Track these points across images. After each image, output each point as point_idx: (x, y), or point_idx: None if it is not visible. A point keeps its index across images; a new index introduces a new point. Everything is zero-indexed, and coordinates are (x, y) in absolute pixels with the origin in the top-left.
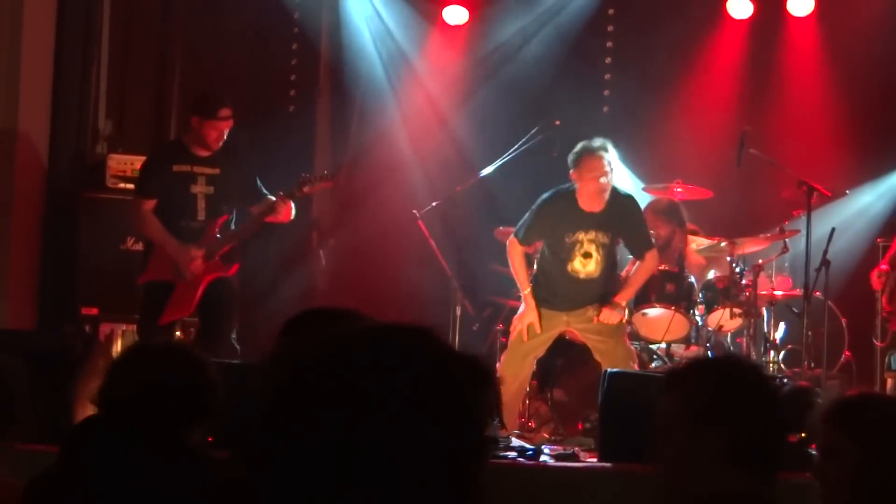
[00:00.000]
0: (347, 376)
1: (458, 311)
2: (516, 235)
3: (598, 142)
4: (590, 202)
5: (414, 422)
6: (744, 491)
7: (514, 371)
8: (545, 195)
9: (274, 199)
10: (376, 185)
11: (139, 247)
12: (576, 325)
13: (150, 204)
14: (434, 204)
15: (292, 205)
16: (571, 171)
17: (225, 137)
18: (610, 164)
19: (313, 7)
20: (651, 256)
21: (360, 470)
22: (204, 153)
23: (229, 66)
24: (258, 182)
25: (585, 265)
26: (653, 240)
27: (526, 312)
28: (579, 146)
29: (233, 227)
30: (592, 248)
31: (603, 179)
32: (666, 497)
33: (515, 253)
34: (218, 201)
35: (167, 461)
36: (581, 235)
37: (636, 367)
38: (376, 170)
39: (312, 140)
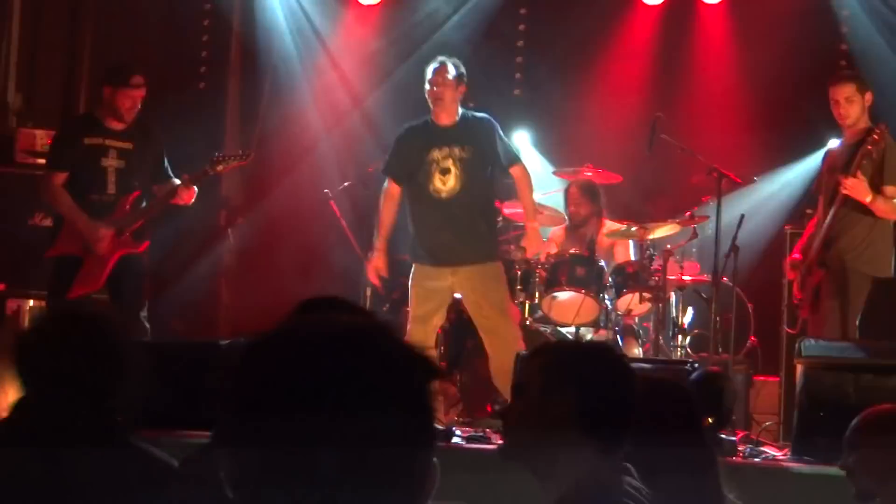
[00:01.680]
0: (307, 372)
1: (368, 292)
2: (385, 172)
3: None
4: (439, 114)
5: (370, 411)
6: (587, 465)
7: (420, 342)
8: (400, 129)
9: (178, 182)
10: (287, 164)
11: (48, 222)
12: (461, 288)
13: (60, 177)
14: (346, 184)
15: (195, 190)
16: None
17: (138, 107)
18: (452, 75)
19: None
20: (520, 170)
21: (317, 461)
22: (117, 126)
23: (140, 42)
24: (165, 163)
25: (445, 181)
26: (520, 156)
27: (374, 258)
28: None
29: (144, 204)
30: (449, 164)
31: (437, 88)
32: (501, 451)
33: (387, 196)
34: (129, 176)
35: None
36: (435, 153)
37: (522, 347)
38: (288, 149)
39: (223, 117)
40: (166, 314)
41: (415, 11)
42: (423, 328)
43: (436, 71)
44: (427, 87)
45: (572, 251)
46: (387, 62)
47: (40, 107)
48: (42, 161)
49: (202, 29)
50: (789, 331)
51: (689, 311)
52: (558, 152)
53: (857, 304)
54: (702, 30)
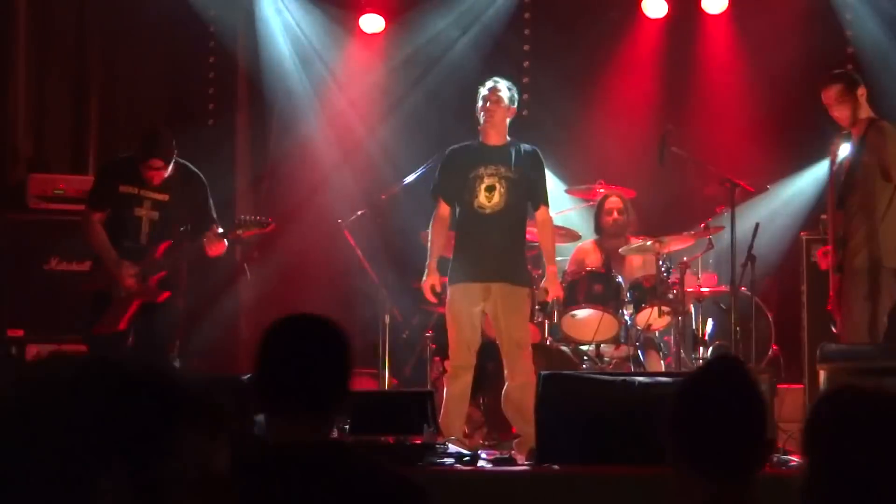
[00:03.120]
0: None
1: (388, 319)
2: (433, 193)
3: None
4: (488, 132)
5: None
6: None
7: (466, 364)
8: (445, 150)
9: (220, 231)
10: (300, 196)
11: (63, 266)
12: (491, 310)
13: (98, 216)
14: (359, 213)
15: (225, 243)
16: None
17: (161, 178)
18: (505, 96)
19: (229, 19)
20: (545, 214)
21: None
22: None
23: (147, 82)
24: (210, 209)
25: (490, 198)
26: (548, 199)
27: (427, 278)
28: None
29: (176, 251)
30: (495, 181)
31: (490, 105)
32: None
33: (436, 219)
34: (162, 227)
35: None
36: (482, 170)
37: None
38: (299, 180)
39: (233, 153)
40: (188, 352)
41: (419, 36)
42: (468, 351)
43: (490, 90)
44: (480, 103)
45: (588, 268)
46: (395, 88)
47: (50, 152)
48: (54, 206)
49: (208, 66)
50: (835, 331)
51: (709, 322)
52: (569, 170)
53: (882, 302)
54: (706, 40)
